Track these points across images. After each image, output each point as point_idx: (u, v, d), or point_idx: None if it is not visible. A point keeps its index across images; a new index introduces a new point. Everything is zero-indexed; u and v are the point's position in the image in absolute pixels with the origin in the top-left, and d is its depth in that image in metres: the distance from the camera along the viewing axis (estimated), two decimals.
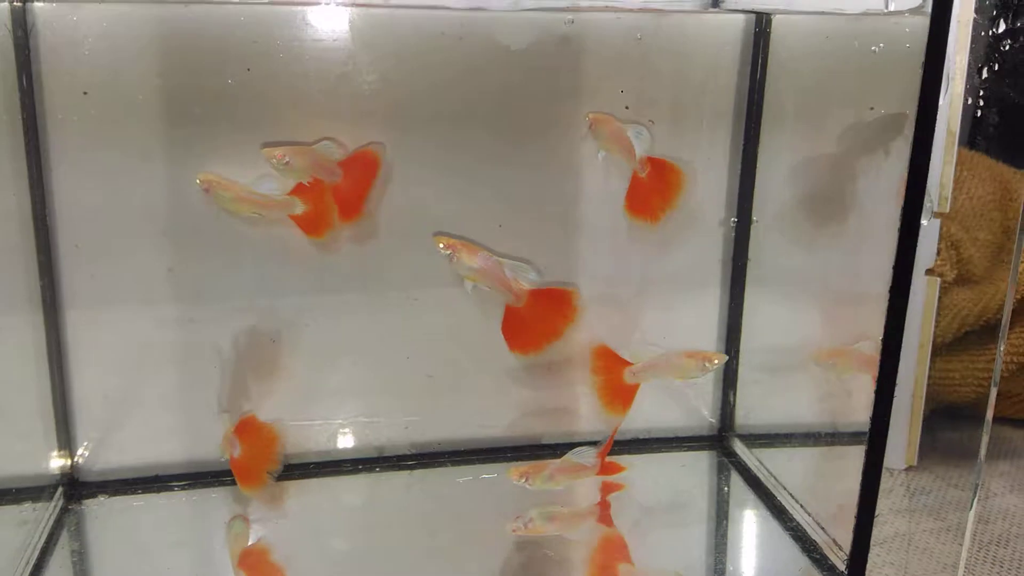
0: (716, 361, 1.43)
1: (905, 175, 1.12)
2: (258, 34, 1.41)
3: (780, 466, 1.60)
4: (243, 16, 1.40)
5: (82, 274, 1.48)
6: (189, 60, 1.41)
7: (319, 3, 1.37)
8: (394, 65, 1.45)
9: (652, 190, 1.48)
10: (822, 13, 1.40)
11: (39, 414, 1.50)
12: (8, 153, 1.39)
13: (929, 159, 1.12)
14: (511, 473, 1.43)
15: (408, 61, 1.46)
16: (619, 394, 1.47)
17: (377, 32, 1.44)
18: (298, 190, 1.41)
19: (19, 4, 1.34)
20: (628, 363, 1.45)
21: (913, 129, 1.10)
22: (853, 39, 1.33)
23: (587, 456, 1.45)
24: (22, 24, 1.36)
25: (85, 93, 1.40)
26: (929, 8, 1.05)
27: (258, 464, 1.48)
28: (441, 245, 1.40)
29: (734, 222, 1.63)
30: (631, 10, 1.47)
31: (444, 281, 1.55)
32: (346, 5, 1.37)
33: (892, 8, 1.16)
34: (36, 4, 1.35)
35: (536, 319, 1.46)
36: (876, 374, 1.22)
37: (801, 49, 1.51)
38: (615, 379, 1.46)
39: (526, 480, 1.42)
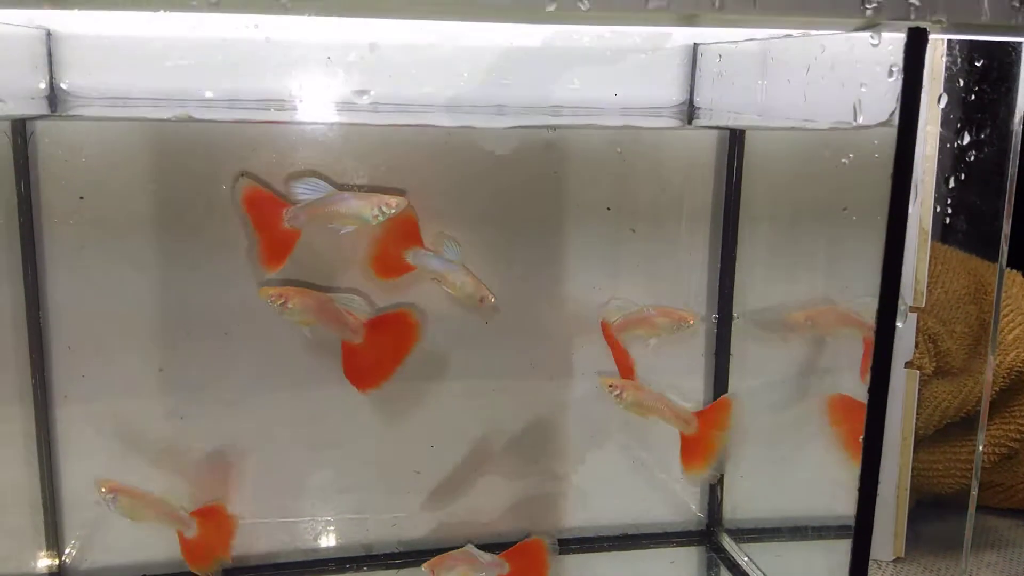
0: None
1: (879, 282, 1.15)
2: (255, 141, 1.45)
3: (769, 562, 1.60)
4: (238, 129, 1.45)
5: (73, 374, 1.49)
6: (184, 168, 1.45)
7: (312, 124, 1.42)
8: (384, 171, 1.49)
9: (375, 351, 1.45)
10: (792, 129, 1.46)
11: (28, 511, 1.50)
12: (4, 254, 1.42)
13: (901, 265, 1.16)
14: (424, 565, 1.43)
15: (397, 167, 1.50)
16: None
17: (367, 140, 1.49)
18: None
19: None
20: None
21: (884, 237, 1.14)
22: (824, 148, 1.38)
23: (479, 554, 1.44)
24: (21, 131, 1.40)
25: (81, 198, 1.44)
26: (896, 121, 1.10)
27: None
28: (272, 296, 1.35)
29: (715, 319, 1.66)
30: (608, 127, 1.53)
31: (428, 375, 1.58)
32: (338, 124, 1.41)
33: (860, 121, 1.21)
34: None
35: (377, 349, 1.43)
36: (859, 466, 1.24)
37: (774, 156, 1.56)
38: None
39: (432, 573, 1.42)
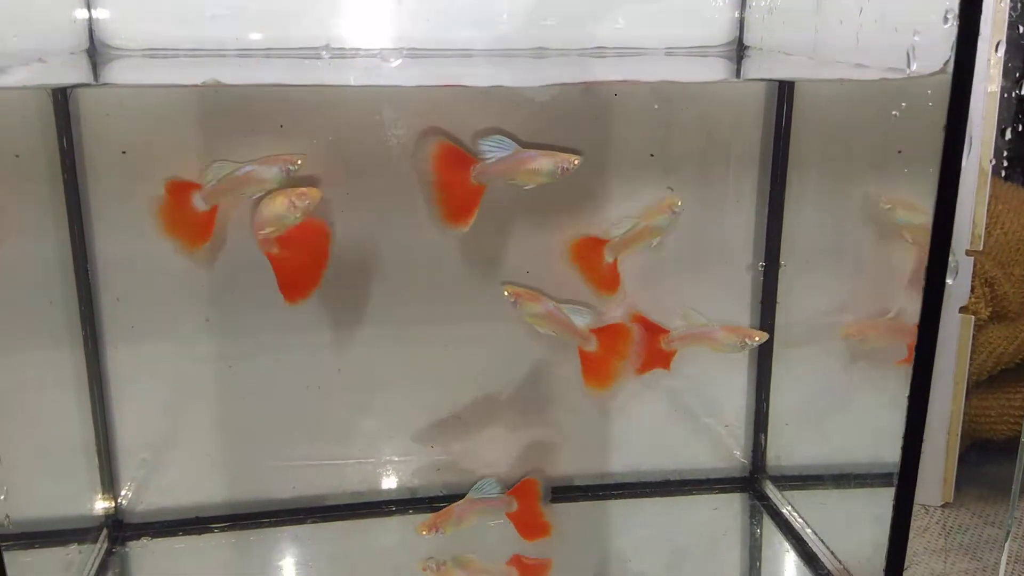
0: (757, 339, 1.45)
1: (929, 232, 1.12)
2: (291, 96, 1.44)
3: (811, 510, 1.60)
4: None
5: (123, 325, 1.52)
6: (223, 121, 1.45)
7: (345, 85, 1.39)
8: (421, 113, 1.47)
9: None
10: (841, 80, 1.39)
11: (84, 457, 1.55)
12: (49, 209, 1.44)
13: (953, 215, 1.12)
14: (420, 530, 1.43)
15: (434, 112, 1.48)
16: None
17: (404, 93, 1.47)
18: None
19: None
20: None
21: (936, 188, 1.10)
22: (878, 94, 1.33)
23: (489, 489, 1.45)
24: (61, 88, 1.40)
25: (124, 152, 1.44)
26: (951, 70, 1.05)
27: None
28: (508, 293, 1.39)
29: (762, 266, 1.63)
30: (652, 81, 1.48)
31: (465, 317, 1.59)
32: (370, 86, 1.39)
33: (914, 69, 1.16)
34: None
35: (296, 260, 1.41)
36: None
37: (825, 101, 1.51)
38: None
39: (437, 531, 1.42)
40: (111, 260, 1.49)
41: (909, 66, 1.17)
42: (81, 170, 1.44)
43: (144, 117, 1.43)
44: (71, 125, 1.42)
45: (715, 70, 1.56)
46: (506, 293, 1.44)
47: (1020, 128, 1.27)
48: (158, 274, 1.51)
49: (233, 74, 1.40)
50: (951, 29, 1.04)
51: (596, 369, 1.47)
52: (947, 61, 1.06)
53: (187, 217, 1.37)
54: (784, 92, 1.53)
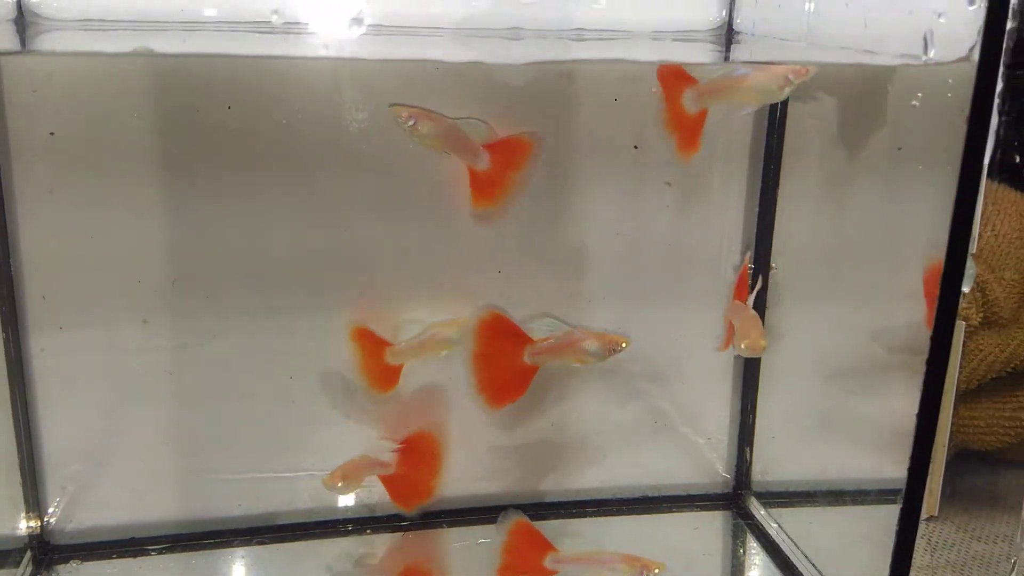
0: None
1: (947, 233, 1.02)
2: (239, 74, 1.31)
3: (801, 529, 1.50)
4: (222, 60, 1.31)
5: (50, 325, 1.38)
6: (166, 100, 1.31)
7: (299, 57, 1.26)
8: (385, 93, 1.35)
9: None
10: (849, 65, 1.29)
11: (4, 468, 1.40)
12: None
13: (972, 218, 1.04)
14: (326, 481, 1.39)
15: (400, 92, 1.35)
16: None
17: (365, 73, 1.34)
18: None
19: None
20: None
21: (957, 181, 1.00)
22: (885, 84, 1.23)
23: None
24: None
25: (52, 134, 1.30)
26: (976, 58, 0.95)
27: None
28: (403, 116, 1.26)
29: (751, 268, 1.53)
30: (636, 62, 1.37)
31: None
32: (327, 58, 1.26)
33: (931, 56, 1.06)
34: None
35: (498, 173, 1.35)
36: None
37: (825, 91, 1.41)
38: None
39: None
40: (36, 254, 1.35)
41: (926, 53, 1.07)
42: (4, 152, 1.30)
43: (77, 95, 1.29)
44: None
45: (703, 55, 1.45)
46: (402, 116, 1.27)
47: (1007, 124, 1.18)
48: (90, 270, 1.37)
49: (175, 47, 1.26)
50: (978, 12, 0.95)
51: (485, 186, 1.35)
52: (973, 47, 0.96)
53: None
54: None
